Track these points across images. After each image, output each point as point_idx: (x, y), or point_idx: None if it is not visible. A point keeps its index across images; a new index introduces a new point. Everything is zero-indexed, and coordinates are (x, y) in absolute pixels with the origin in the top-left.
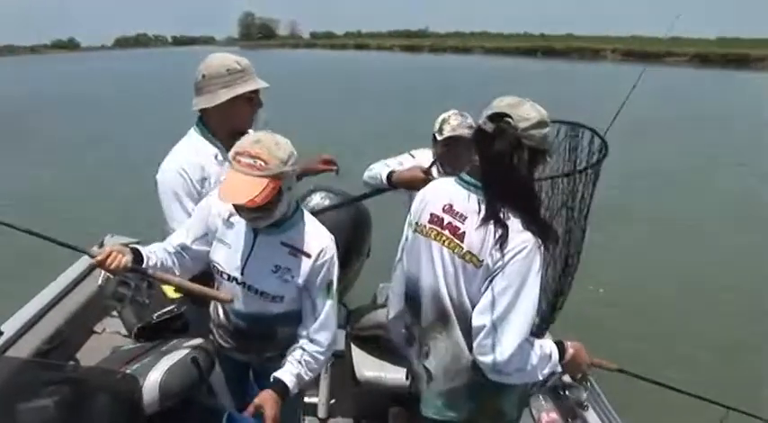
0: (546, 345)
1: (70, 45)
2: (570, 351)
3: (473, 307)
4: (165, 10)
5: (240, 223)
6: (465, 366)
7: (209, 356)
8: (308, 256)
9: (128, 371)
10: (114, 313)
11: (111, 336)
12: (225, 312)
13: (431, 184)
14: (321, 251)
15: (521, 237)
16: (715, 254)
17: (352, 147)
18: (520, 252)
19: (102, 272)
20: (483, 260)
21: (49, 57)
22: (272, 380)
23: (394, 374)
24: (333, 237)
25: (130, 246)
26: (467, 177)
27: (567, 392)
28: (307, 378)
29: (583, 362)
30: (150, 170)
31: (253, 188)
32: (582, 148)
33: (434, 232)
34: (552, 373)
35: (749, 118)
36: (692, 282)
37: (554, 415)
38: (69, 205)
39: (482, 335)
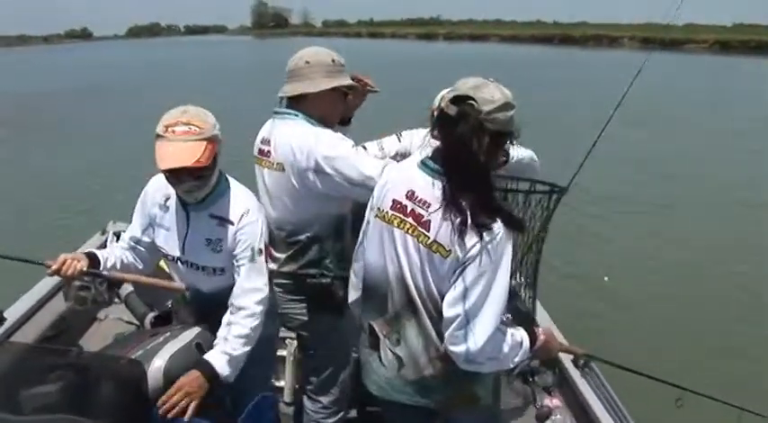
0: (517, 333)
1: (83, 34)
2: (541, 338)
3: (441, 296)
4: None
5: (174, 205)
6: (435, 355)
7: (213, 342)
8: (232, 223)
9: (132, 357)
10: (117, 300)
11: (113, 322)
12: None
13: (393, 167)
14: (242, 215)
15: (490, 226)
16: (716, 243)
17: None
18: (491, 241)
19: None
20: (451, 250)
21: (63, 47)
22: (199, 361)
23: None
24: (257, 202)
25: (87, 251)
26: (430, 163)
27: (535, 378)
28: (237, 352)
29: (553, 348)
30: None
31: (195, 151)
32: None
33: (397, 220)
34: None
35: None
36: (687, 271)
37: (557, 401)
38: (79, 193)
39: (454, 325)
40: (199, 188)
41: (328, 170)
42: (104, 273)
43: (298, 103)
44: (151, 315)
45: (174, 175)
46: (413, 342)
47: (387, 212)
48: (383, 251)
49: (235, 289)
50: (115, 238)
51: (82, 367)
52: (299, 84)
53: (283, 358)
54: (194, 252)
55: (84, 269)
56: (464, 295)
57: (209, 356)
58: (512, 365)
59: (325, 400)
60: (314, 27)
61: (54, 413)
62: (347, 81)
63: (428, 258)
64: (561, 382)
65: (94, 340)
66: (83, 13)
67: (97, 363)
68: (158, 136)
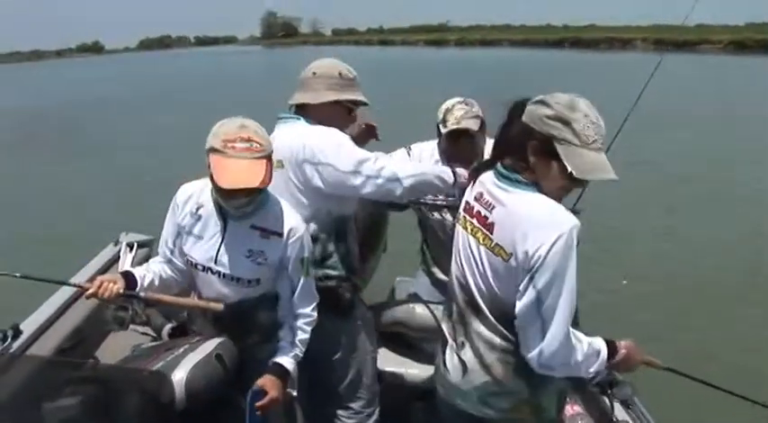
0: (595, 342)
1: (95, 48)
2: (622, 352)
3: (504, 299)
4: (187, 11)
5: (207, 214)
6: (499, 358)
7: (234, 352)
8: (280, 235)
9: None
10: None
11: (129, 334)
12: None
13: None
14: (291, 230)
15: (554, 224)
16: (736, 246)
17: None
18: (556, 241)
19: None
20: (512, 253)
21: (74, 61)
22: (270, 364)
23: (414, 370)
24: (299, 215)
25: (123, 270)
26: (500, 168)
27: (613, 390)
28: (302, 353)
29: (635, 362)
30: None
31: (258, 170)
32: None
33: (465, 221)
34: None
35: None
36: (707, 274)
37: (577, 408)
38: (91, 205)
39: (527, 330)
40: (250, 204)
41: (322, 159)
42: (141, 295)
43: (302, 111)
44: (168, 326)
45: (229, 193)
46: (477, 345)
47: (459, 213)
48: (454, 253)
49: (294, 298)
50: (128, 249)
51: (106, 380)
52: (303, 93)
53: None
54: (230, 262)
55: (122, 291)
56: (537, 299)
57: (281, 361)
58: (585, 375)
59: (356, 405)
60: (323, 36)
61: None
62: (352, 96)
63: (489, 261)
64: (593, 402)
65: (111, 351)
66: (94, 26)
67: (121, 375)
68: (215, 150)
